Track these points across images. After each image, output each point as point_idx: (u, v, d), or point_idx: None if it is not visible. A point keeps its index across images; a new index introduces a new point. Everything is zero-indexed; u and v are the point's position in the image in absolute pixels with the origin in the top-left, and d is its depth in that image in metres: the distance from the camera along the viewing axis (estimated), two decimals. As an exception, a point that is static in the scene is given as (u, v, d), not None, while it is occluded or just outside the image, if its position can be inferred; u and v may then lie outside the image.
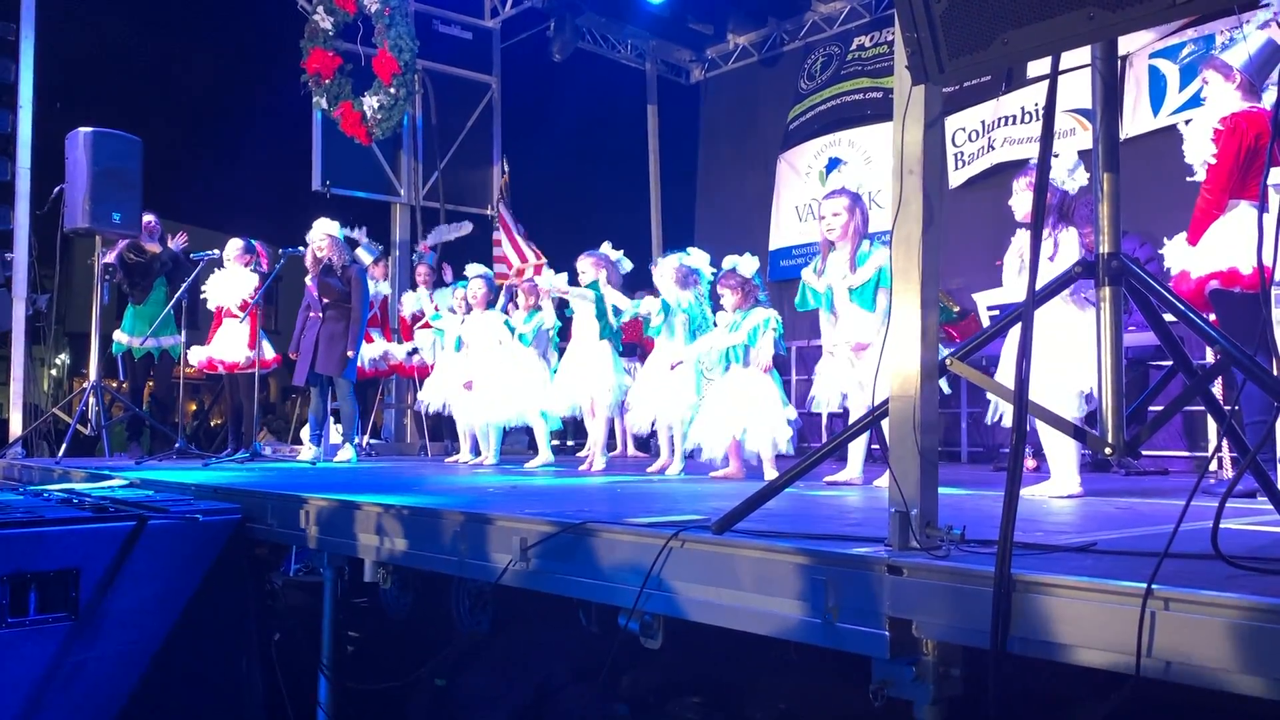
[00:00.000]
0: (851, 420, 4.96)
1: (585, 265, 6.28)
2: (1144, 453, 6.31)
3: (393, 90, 9.56)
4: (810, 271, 5.10)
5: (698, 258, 5.89)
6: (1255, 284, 3.60)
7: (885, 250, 4.77)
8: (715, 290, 5.60)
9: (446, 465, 7.03)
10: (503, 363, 6.83)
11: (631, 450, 8.24)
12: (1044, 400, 3.90)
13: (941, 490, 2.25)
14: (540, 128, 11.04)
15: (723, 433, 5.23)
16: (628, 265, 6.50)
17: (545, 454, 6.70)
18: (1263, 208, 3.50)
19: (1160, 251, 4.38)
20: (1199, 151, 4.11)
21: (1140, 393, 2.58)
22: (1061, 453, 4.00)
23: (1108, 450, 2.11)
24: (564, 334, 7.07)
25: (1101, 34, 1.68)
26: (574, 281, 6.33)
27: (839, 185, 5.04)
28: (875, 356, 4.59)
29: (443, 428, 8.53)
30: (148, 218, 7.85)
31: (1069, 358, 3.83)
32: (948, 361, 2.23)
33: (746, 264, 5.47)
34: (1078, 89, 7.13)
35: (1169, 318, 2.26)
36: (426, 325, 8.91)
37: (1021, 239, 4.27)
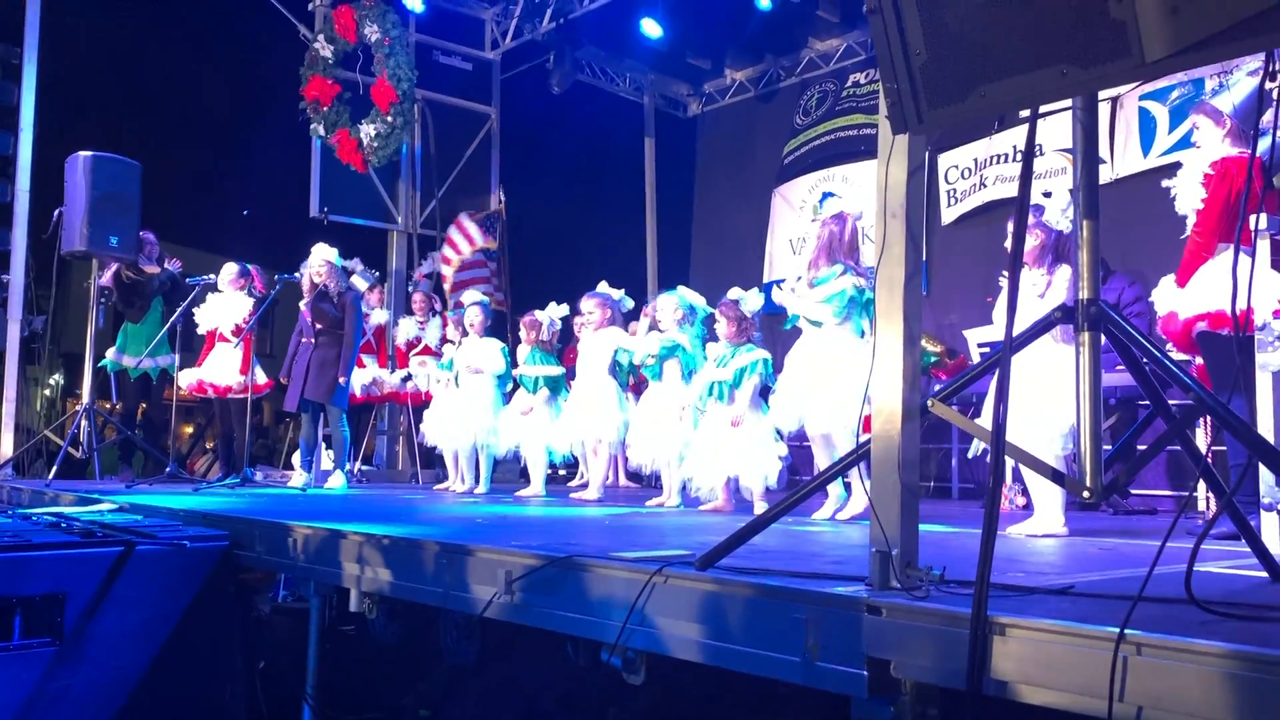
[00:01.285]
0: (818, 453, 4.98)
1: (590, 307, 6.32)
2: (1132, 492, 6.33)
3: (390, 119, 9.63)
4: (783, 291, 5.10)
5: (691, 296, 5.93)
6: (1243, 327, 3.64)
7: (848, 279, 4.79)
8: (713, 318, 5.60)
9: (435, 494, 7.03)
10: (495, 391, 6.87)
11: (624, 481, 8.25)
12: (1030, 439, 3.94)
13: (928, 527, 2.28)
14: (538, 158, 11.14)
15: (715, 472, 5.24)
16: (629, 304, 6.54)
17: (538, 485, 6.70)
18: (1251, 252, 3.54)
19: (1151, 294, 4.41)
20: (1189, 197, 4.16)
21: (1129, 432, 2.60)
22: (1046, 492, 4.03)
23: (1085, 494, 2.13)
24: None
25: (1074, 90, 1.73)
26: (575, 314, 6.40)
27: (834, 211, 5.03)
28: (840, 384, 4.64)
29: (433, 455, 8.53)
30: (147, 236, 7.88)
31: (1056, 397, 3.86)
32: (929, 403, 2.26)
33: (752, 301, 5.43)
34: (1068, 128, 7.20)
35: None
36: (425, 351, 8.94)
37: (1025, 278, 4.30)
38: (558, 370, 6.78)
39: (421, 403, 8.32)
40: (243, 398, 7.44)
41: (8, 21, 7.76)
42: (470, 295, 7.58)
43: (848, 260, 4.85)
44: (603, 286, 6.48)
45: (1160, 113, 7.59)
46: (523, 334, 6.92)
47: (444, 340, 8.64)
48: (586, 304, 6.34)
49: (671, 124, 12.03)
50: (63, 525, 4.32)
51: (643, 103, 11.78)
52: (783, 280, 5.18)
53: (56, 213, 7.43)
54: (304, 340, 7.15)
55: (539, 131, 11.10)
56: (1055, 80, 1.65)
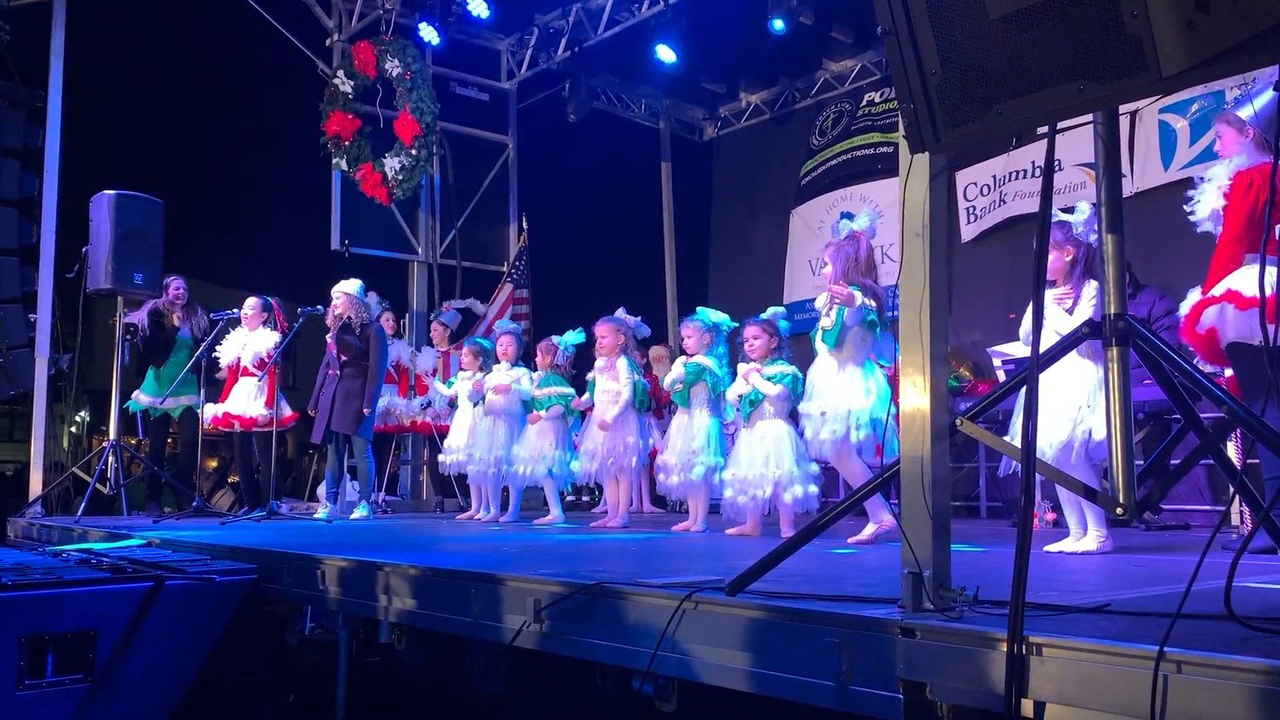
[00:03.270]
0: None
1: (603, 331, 6.33)
2: (1165, 508, 6.25)
3: (414, 151, 9.73)
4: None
5: (713, 315, 5.94)
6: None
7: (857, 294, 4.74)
8: (743, 334, 5.56)
9: (459, 523, 7.03)
10: (519, 420, 6.90)
11: (648, 506, 8.23)
12: (1062, 455, 3.92)
13: (958, 547, 2.25)
14: (556, 186, 11.20)
15: (752, 492, 5.20)
16: (645, 330, 6.55)
17: (555, 511, 6.70)
18: (1277, 262, 3.52)
19: (1180, 307, 4.36)
20: (1209, 205, 4.13)
21: (1161, 446, 2.58)
22: (1087, 507, 3.99)
23: (1119, 510, 2.11)
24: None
25: (1091, 106, 1.72)
26: (591, 344, 6.42)
27: (846, 232, 5.01)
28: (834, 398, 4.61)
29: (455, 484, 8.54)
30: (174, 282, 7.95)
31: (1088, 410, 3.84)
32: (958, 422, 2.24)
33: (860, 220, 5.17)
34: (1087, 143, 7.19)
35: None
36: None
37: (1051, 294, 4.28)
38: (569, 391, 6.80)
39: (444, 431, 8.33)
40: (268, 431, 7.48)
41: (33, 65, 7.88)
42: (503, 324, 7.65)
43: (865, 280, 4.82)
44: (620, 313, 6.49)
45: (1181, 126, 7.56)
46: (539, 358, 6.95)
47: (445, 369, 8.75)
48: (599, 329, 6.35)
49: (688, 148, 12.09)
50: (93, 562, 4.34)
51: (659, 128, 11.84)
52: (813, 313, 5.13)
53: (84, 251, 7.52)
54: (330, 372, 7.20)
55: (556, 159, 11.17)
56: (1072, 96, 1.65)
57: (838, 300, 4.70)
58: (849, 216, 5.05)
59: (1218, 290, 3.95)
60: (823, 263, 4.98)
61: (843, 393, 4.67)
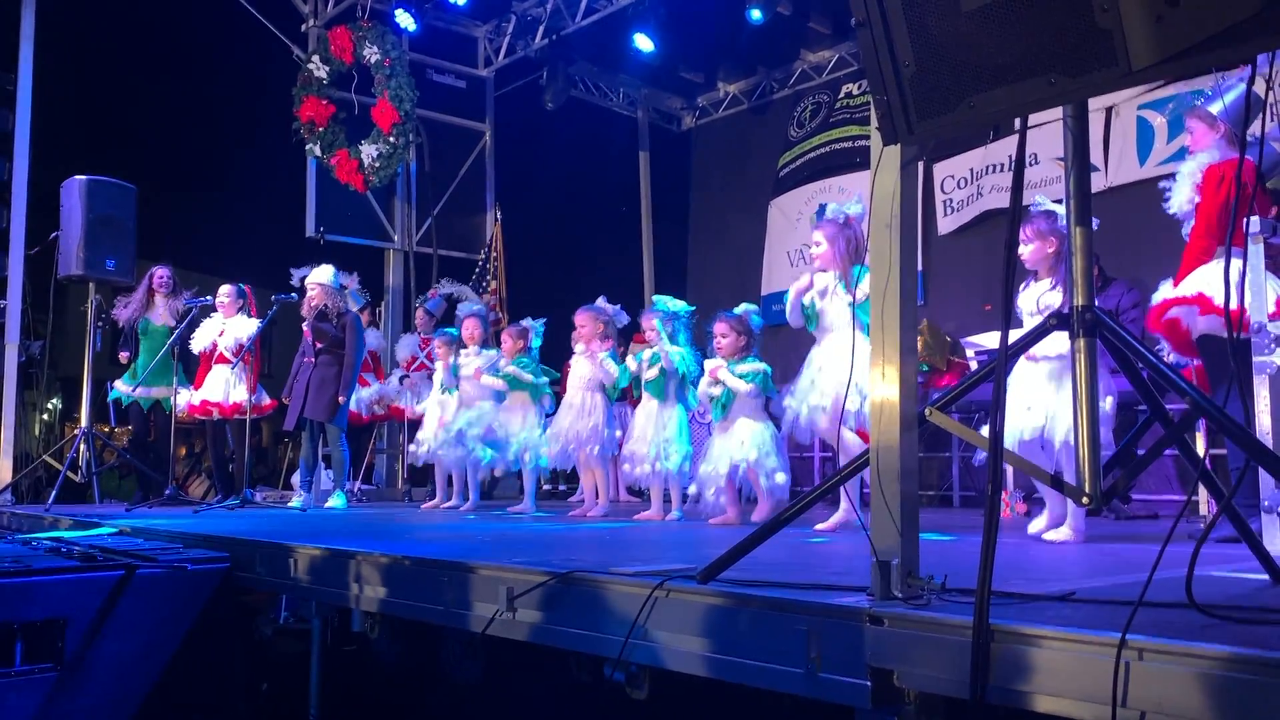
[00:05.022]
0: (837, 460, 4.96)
1: (581, 321, 6.32)
2: (1135, 497, 6.33)
3: (392, 139, 9.67)
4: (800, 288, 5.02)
5: (669, 302, 5.95)
6: (1243, 328, 3.64)
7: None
8: (712, 329, 5.57)
9: (428, 512, 7.00)
10: (491, 405, 6.87)
11: (624, 496, 8.24)
12: (1033, 445, 3.98)
13: (930, 536, 2.28)
14: (533, 174, 11.18)
15: (723, 481, 5.23)
16: (624, 319, 6.55)
17: (528, 501, 6.71)
18: (1243, 254, 3.55)
19: (1152, 299, 4.40)
20: (1181, 197, 4.16)
21: (1128, 437, 2.61)
22: (1061, 496, 4.04)
23: (1085, 500, 2.13)
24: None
25: (1063, 99, 1.74)
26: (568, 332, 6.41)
27: (830, 216, 5.00)
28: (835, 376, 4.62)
29: (428, 473, 8.53)
30: (161, 271, 7.84)
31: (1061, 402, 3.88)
32: (927, 411, 2.26)
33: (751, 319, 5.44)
34: (1060, 137, 7.23)
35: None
36: (421, 368, 8.93)
37: (1035, 287, 4.30)
38: (534, 378, 6.78)
39: (416, 419, 8.29)
40: (243, 418, 7.43)
41: (2, 48, 7.79)
42: (466, 306, 7.60)
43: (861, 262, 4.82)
44: (600, 302, 6.49)
45: (1159, 123, 7.61)
46: (505, 344, 6.89)
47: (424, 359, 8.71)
48: (578, 318, 6.35)
49: (665, 138, 12.09)
50: (63, 550, 4.31)
51: (636, 117, 11.83)
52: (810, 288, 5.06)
53: (52, 237, 7.44)
54: (305, 360, 7.16)
55: (533, 147, 11.15)
56: (1043, 89, 1.66)
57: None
58: (822, 211, 5.06)
59: (1187, 290, 3.99)
60: (815, 242, 4.94)
61: (838, 366, 4.66)
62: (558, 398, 6.82)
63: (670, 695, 2.70)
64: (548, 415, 6.74)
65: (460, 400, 7.06)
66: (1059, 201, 4.31)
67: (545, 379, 6.82)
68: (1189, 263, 4.13)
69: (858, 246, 4.83)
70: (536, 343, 6.87)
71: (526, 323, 6.91)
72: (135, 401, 7.74)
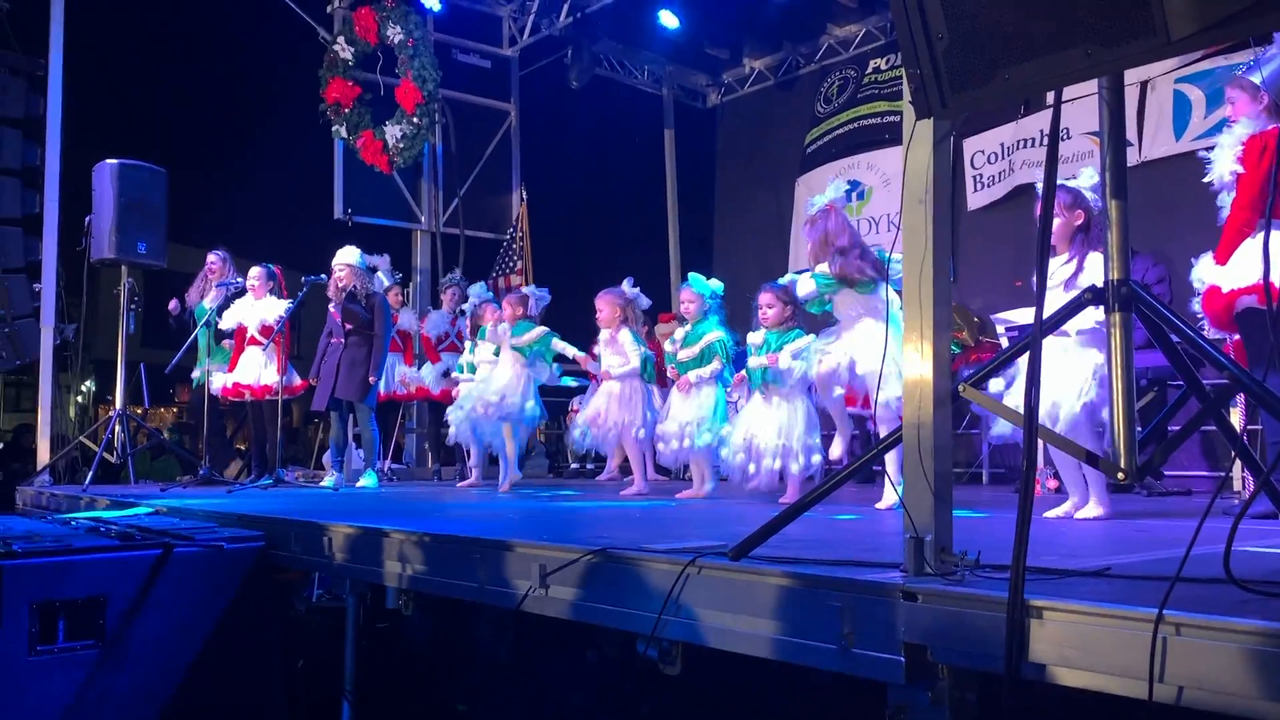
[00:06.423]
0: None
1: (601, 305, 6.32)
2: (1167, 473, 6.27)
3: (416, 120, 9.68)
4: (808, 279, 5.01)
5: (710, 284, 5.95)
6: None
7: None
8: (757, 300, 5.50)
9: (462, 490, 7.05)
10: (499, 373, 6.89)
11: (653, 474, 8.25)
12: (1067, 421, 3.93)
13: (960, 513, 2.27)
14: (558, 153, 11.17)
15: (759, 459, 5.22)
16: (645, 301, 6.54)
17: (512, 473, 6.75)
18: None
19: (1192, 273, 4.33)
20: (1222, 168, 4.09)
21: (1160, 413, 2.59)
22: (1089, 473, 4.00)
23: (1120, 476, 2.12)
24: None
25: (1099, 70, 1.71)
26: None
27: (820, 206, 4.99)
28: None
29: (457, 452, 8.56)
30: (209, 256, 7.93)
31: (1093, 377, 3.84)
32: (960, 388, 2.25)
33: (804, 284, 5.14)
34: (1094, 111, 7.14)
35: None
36: (452, 349, 8.95)
37: (1053, 262, 4.25)
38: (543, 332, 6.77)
39: (447, 399, 8.31)
40: (275, 399, 7.50)
41: (32, 34, 7.85)
42: (474, 290, 7.75)
43: (852, 250, 4.79)
44: (625, 285, 6.47)
45: (1196, 96, 7.48)
46: (507, 310, 6.85)
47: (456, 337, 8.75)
48: (599, 302, 6.34)
49: (691, 115, 12.03)
50: (101, 529, 4.38)
51: (661, 94, 11.77)
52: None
53: (86, 220, 7.51)
54: (333, 340, 7.21)
55: (558, 127, 11.13)
56: (1080, 61, 1.64)
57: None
58: (857, 184, 5.06)
59: (1244, 281, 3.90)
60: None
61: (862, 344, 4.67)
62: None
63: (703, 671, 2.71)
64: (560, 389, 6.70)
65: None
66: (1072, 178, 4.27)
67: (551, 338, 6.76)
68: (1230, 234, 4.06)
69: (826, 237, 4.79)
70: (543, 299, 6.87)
71: (528, 290, 6.94)
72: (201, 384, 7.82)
